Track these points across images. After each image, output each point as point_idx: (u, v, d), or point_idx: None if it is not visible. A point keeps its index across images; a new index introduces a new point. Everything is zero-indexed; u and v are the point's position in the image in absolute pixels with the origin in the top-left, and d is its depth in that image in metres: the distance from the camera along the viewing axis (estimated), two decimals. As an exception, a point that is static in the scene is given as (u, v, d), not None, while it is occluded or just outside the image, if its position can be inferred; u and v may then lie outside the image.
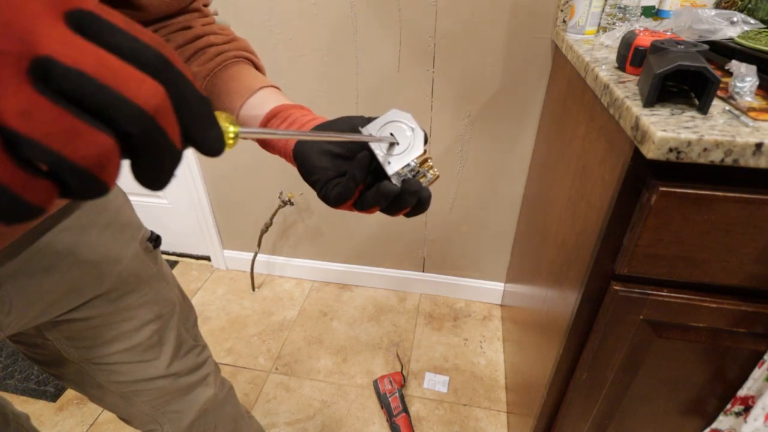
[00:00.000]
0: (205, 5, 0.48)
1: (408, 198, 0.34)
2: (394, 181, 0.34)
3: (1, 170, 0.15)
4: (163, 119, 0.18)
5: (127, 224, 0.53)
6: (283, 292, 1.62)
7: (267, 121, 0.42)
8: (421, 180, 0.36)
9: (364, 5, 1.08)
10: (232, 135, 0.23)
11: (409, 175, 0.35)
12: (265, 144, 0.44)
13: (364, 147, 0.35)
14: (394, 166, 0.34)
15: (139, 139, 0.18)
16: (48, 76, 0.15)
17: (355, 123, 0.36)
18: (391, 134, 0.34)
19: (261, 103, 0.43)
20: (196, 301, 1.59)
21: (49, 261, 0.44)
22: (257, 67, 0.49)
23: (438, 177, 0.37)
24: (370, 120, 0.36)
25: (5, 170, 0.15)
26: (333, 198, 0.35)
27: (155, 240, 0.58)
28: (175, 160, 0.20)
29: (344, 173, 0.36)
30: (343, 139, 0.35)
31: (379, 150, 0.34)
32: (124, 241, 0.52)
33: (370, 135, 0.35)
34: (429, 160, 0.36)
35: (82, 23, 0.17)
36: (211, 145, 0.21)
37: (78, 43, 0.16)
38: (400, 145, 0.34)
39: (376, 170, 0.35)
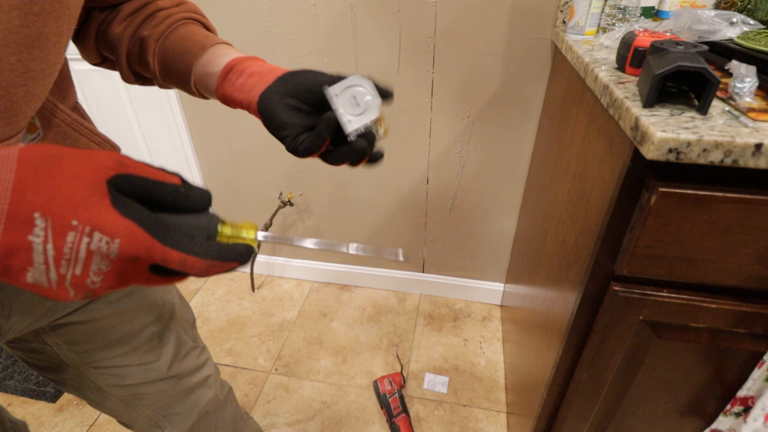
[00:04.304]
0: None
1: (367, 151, 0.41)
2: (352, 137, 0.40)
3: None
4: None
5: None
6: (283, 293, 1.62)
7: (224, 77, 0.43)
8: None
9: (364, 6, 1.09)
10: (252, 238, 0.33)
11: (363, 131, 0.41)
12: (226, 99, 0.45)
13: (328, 105, 0.40)
14: (354, 125, 0.40)
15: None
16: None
17: (320, 80, 0.40)
18: (354, 97, 0.40)
19: (215, 60, 0.44)
20: (195, 302, 1.59)
21: None
22: (208, 29, 0.49)
23: (387, 131, 0.44)
24: (334, 79, 0.41)
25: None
26: (302, 151, 0.41)
27: None
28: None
29: (310, 127, 0.41)
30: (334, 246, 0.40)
31: (342, 109, 0.40)
32: None
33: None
34: (382, 120, 0.42)
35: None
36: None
37: (171, 254, 0.26)
38: (360, 107, 0.40)
39: (338, 128, 0.41)
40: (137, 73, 0.49)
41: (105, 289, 0.26)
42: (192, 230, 0.28)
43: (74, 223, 0.23)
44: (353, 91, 0.40)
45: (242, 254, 0.30)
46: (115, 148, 0.47)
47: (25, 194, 0.22)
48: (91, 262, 0.24)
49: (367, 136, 0.41)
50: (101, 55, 0.49)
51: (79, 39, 0.48)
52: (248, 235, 0.33)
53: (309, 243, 0.38)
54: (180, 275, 0.28)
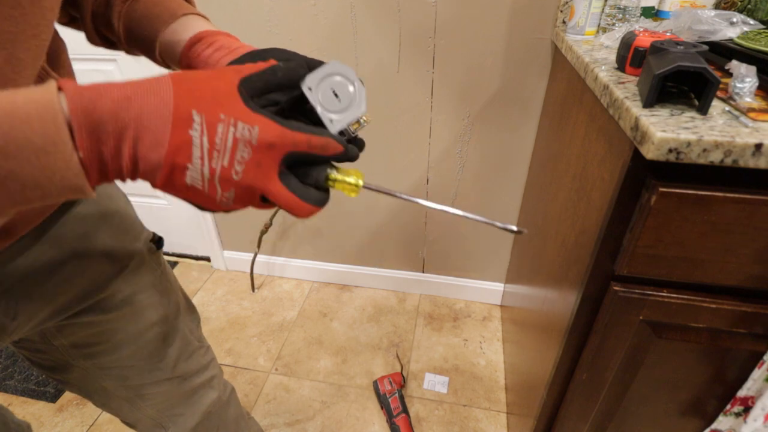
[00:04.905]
0: None
1: (352, 155, 0.36)
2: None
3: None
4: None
5: (130, 226, 0.53)
6: (283, 293, 1.62)
7: (191, 47, 0.41)
8: (354, 127, 0.36)
9: (364, 6, 1.09)
10: (354, 186, 0.34)
11: (347, 126, 0.35)
12: (190, 69, 0.41)
13: (296, 83, 0.33)
14: (337, 125, 0.34)
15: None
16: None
17: (289, 56, 0.36)
18: (333, 91, 0.34)
19: (184, 29, 0.42)
20: (196, 301, 1.59)
21: (54, 263, 0.44)
22: None
23: (369, 121, 0.38)
24: (308, 63, 0.34)
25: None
26: None
27: (158, 241, 0.58)
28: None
29: (275, 102, 0.34)
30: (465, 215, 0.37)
31: (322, 107, 0.33)
32: (127, 243, 0.52)
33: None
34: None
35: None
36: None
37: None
38: (342, 101, 0.34)
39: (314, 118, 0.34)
40: (103, 35, 0.46)
41: (244, 181, 0.29)
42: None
43: (222, 116, 0.27)
44: (331, 82, 0.33)
45: (343, 139, 0.33)
46: None
47: (181, 97, 0.27)
48: (236, 150, 0.28)
49: (358, 142, 0.37)
50: (68, 14, 0.46)
51: None
52: (355, 180, 0.34)
53: (417, 200, 0.36)
54: (299, 196, 0.31)
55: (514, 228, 0.36)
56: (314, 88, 0.33)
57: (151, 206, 1.68)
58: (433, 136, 1.25)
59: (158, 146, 0.26)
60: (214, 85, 0.28)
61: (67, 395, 1.26)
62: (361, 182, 0.34)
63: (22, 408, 1.23)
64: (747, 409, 0.61)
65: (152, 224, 1.72)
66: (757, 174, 0.46)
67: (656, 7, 0.90)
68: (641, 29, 0.62)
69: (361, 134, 0.37)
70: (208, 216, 1.61)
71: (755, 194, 0.47)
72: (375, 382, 1.23)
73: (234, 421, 0.72)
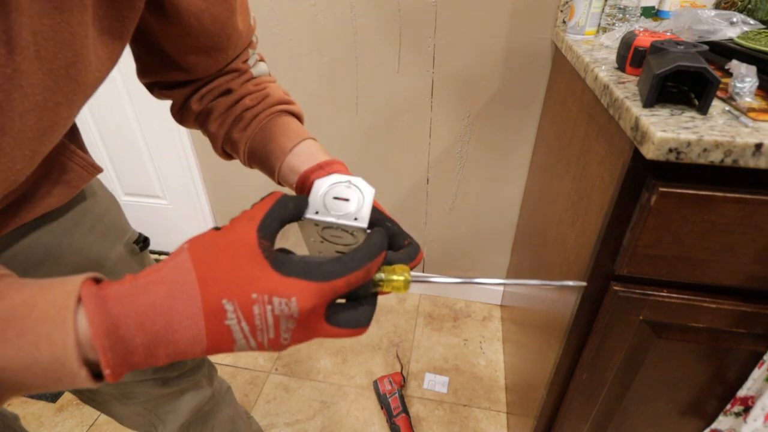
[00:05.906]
0: (245, 61, 0.48)
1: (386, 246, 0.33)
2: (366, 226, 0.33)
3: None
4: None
5: (112, 227, 0.52)
6: (283, 293, 1.62)
7: (300, 185, 0.44)
8: None
9: (364, 5, 1.09)
10: (403, 282, 0.31)
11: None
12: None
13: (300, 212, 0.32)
14: (364, 219, 0.32)
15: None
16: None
17: (291, 209, 0.32)
18: (334, 197, 0.33)
19: (290, 170, 0.45)
20: (195, 301, 1.59)
21: (28, 264, 0.44)
22: (294, 113, 0.50)
23: None
24: (302, 200, 0.33)
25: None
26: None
27: (143, 242, 0.57)
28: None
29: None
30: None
31: (338, 219, 0.32)
32: (107, 244, 0.51)
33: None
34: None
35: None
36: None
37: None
38: (352, 200, 0.33)
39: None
40: (228, 153, 0.52)
41: (295, 342, 0.28)
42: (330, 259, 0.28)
43: (254, 296, 0.26)
44: (331, 194, 0.33)
45: (381, 240, 0.30)
46: (98, 170, 0.47)
47: (208, 287, 0.25)
48: (279, 325, 0.27)
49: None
50: (195, 125, 0.52)
51: (177, 116, 0.51)
52: (404, 276, 0.31)
53: (476, 280, 0.34)
54: (352, 327, 0.30)
55: (571, 283, 0.35)
56: (321, 209, 0.32)
57: (151, 206, 1.68)
58: (433, 136, 1.25)
59: (197, 342, 0.26)
60: (236, 256, 0.27)
61: (67, 395, 1.26)
62: (409, 276, 0.31)
63: (22, 408, 1.23)
64: (747, 409, 0.61)
65: (152, 223, 1.72)
66: (757, 174, 0.46)
67: (656, 7, 0.90)
68: (641, 29, 0.62)
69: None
70: (207, 216, 1.61)
71: (755, 194, 0.47)
72: (375, 382, 1.23)
73: (230, 420, 0.72)
